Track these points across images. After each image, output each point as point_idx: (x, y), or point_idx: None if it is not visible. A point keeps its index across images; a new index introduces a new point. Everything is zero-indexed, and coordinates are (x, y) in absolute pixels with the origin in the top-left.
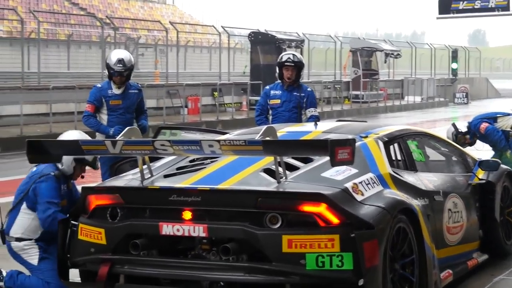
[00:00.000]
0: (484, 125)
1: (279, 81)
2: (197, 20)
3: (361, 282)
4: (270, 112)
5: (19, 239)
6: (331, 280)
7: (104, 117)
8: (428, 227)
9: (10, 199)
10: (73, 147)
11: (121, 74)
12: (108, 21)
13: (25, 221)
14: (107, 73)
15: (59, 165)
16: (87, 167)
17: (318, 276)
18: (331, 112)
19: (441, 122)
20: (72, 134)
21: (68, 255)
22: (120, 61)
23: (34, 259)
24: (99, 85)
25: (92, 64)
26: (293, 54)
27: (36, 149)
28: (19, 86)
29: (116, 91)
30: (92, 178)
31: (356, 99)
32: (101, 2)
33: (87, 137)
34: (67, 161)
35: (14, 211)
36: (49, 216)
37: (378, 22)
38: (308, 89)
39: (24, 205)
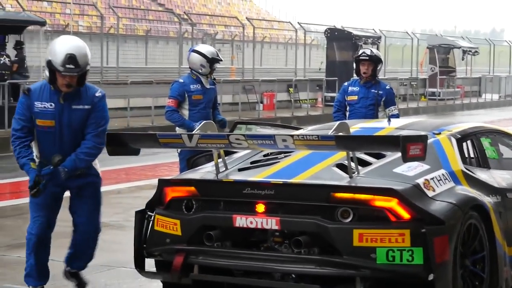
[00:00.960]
0: None
1: (356, 77)
2: (273, 16)
3: (431, 277)
4: (348, 108)
5: None
6: (401, 275)
7: (185, 112)
8: (499, 224)
9: None
10: (151, 140)
11: (212, 65)
12: (185, 17)
13: None
14: (202, 66)
15: None
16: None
17: (388, 270)
18: (406, 109)
19: None
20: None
21: (144, 245)
22: (213, 53)
23: None
24: (181, 80)
25: (170, 60)
26: (369, 49)
27: (115, 142)
28: (98, 80)
29: (205, 83)
30: (168, 171)
31: (433, 97)
32: None
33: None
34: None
35: None
36: None
37: (456, 19)
38: (387, 87)
39: None
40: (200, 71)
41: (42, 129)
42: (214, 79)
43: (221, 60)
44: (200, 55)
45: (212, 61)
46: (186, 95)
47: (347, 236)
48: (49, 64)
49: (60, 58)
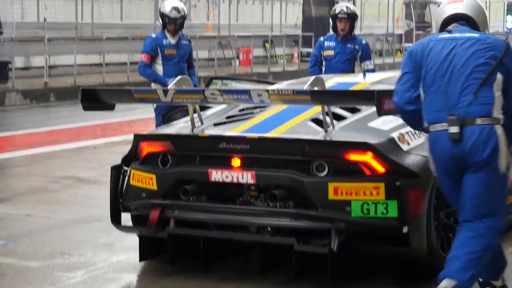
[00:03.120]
0: None
1: (333, 33)
2: None
3: (405, 230)
4: (324, 63)
5: None
6: (375, 227)
7: (159, 68)
8: None
9: (65, 146)
10: (126, 95)
11: (176, 21)
12: None
13: None
14: (160, 23)
15: None
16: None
17: (363, 223)
18: (383, 64)
19: None
20: None
21: (120, 200)
22: (175, 8)
23: None
24: (153, 35)
25: (145, 15)
26: (346, 6)
27: (90, 98)
28: (73, 36)
29: (171, 40)
30: (144, 127)
31: None
32: None
33: None
34: None
35: None
36: None
37: None
38: (363, 42)
39: None
40: (160, 25)
41: None
42: (186, 36)
43: (170, 17)
44: (160, 12)
45: (162, 15)
46: (159, 49)
47: (322, 189)
48: None
49: None
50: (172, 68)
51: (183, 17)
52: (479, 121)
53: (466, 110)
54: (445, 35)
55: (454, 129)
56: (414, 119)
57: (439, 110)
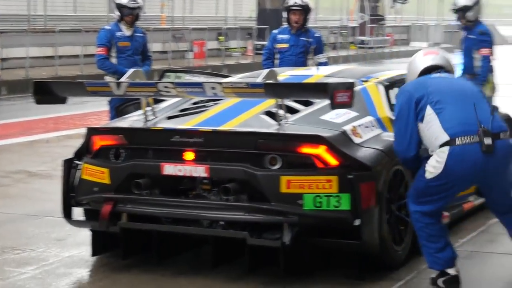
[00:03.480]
0: None
1: (287, 25)
2: None
3: (357, 222)
4: (277, 56)
5: None
6: (328, 220)
7: (113, 60)
8: None
9: (17, 140)
10: (78, 88)
11: (133, 12)
12: None
13: None
14: (118, 14)
15: None
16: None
17: (316, 216)
18: (337, 57)
19: None
20: None
21: (72, 194)
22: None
23: None
24: (107, 27)
25: (98, 7)
26: None
27: (43, 91)
28: (25, 28)
29: (126, 32)
30: (97, 120)
31: (362, 45)
32: None
33: None
34: None
35: None
36: None
37: None
38: (316, 34)
39: None
40: (115, 17)
41: None
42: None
43: (128, 7)
44: (114, 1)
45: (120, 6)
46: (113, 41)
47: (275, 183)
48: None
49: None
50: (125, 61)
51: (140, 8)
52: (502, 135)
53: (492, 125)
54: (436, 75)
55: (489, 141)
56: (415, 162)
57: (468, 123)
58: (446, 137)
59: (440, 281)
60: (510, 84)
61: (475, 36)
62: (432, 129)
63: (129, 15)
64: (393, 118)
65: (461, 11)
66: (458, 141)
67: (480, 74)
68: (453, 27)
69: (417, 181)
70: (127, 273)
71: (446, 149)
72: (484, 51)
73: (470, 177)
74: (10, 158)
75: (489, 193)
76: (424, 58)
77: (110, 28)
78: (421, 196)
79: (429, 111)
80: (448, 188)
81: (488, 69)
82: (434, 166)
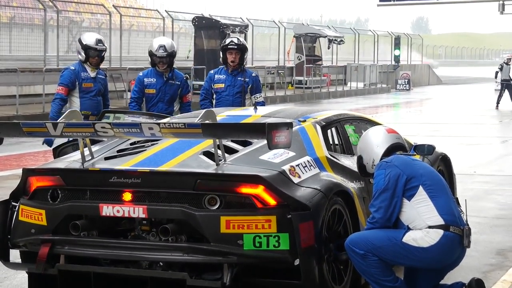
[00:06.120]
0: None
1: (223, 66)
2: (141, 4)
3: (297, 262)
4: (214, 96)
5: None
6: (268, 260)
7: (76, 100)
8: (363, 209)
9: None
10: (14, 128)
11: (100, 53)
12: (51, 4)
13: None
14: (81, 55)
15: None
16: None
17: (255, 256)
18: (274, 97)
19: (383, 108)
20: None
21: (9, 236)
22: (99, 40)
23: None
24: (72, 67)
25: (35, 48)
26: (237, 38)
27: None
28: None
29: (90, 73)
30: (33, 161)
31: (300, 85)
32: None
33: None
34: None
35: None
36: None
37: (322, 8)
38: (253, 74)
39: None
40: (79, 58)
41: None
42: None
43: (96, 49)
44: (79, 42)
45: (86, 48)
46: (77, 82)
47: (214, 223)
48: None
49: None
50: (89, 101)
51: (105, 50)
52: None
53: (461, 222)
54: (408, 157)
55: (469, 239)
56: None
57: (455, 215)
58: (441, 221)
59: None
60: (447, 123)
61: None
62: (422, 209)
63: (96, 56)
64: (331, 157)
65: None
66: (451, 229)
67: None
68: (388, 68)
69: (387, 240)
70: None
71: (440, 231)
72: None
73: (443, 261)
74: None
75: (431, 277)
76: (390, 136)
77: (74, 68)
78: (383, 252)
79: (422, 192)
80: (417, 260)
81: None
82: (420, 239)
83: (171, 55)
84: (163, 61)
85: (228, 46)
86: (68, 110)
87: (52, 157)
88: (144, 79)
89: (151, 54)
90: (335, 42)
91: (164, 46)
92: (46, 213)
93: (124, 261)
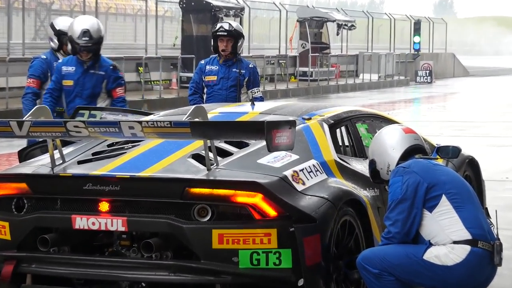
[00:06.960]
0: None
1: (215, 55)
2: None
3: (301, 283)
4: (205, 90)
5: None
6: (267, 280)
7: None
8: (378, 221)
9: None
10: None
11: (87, 48)
12: None
13: None
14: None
15: None
16: None
17: (253, 276)
18: (274, 91)
19: (401, 104)
20: None
21: None
22: (85, 32)
23: None
24: (43, 56)
25: None
26: (228, 23)
27: None
28: None
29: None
30: None
31: (304, 77)
32: None
33: None
34: None
35: None
36: None
37: None
38: (250, 66)
39: None
40: (51, 44)
41: None
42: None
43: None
44: (51, 27)
45: (59, 33)
46: (49, 74)
47: (205, 237)
48: None
49: None
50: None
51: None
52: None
53: (492, 236)
54: (429, 161)
55: (500, 256)
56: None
57: (483, 229)
58: (467, 235)
59: None
60: (474, 122)
61: None
62: (446, 222)
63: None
64: (340, 161)
65: None
66: (480, 244)
67: None
68: (406, 57)
69: (405, 258)
70: None
71: (467, 247)
72: None
73: (470, 281)
74: None
75: None
76: (407, 136)
77: (45, 57)
78: (400, 270)
79: (445, 202)
80: (440, 280)
81: None
82: (444, 256)
83: (98, 42)
84: (87, 49)
85: (218, 33)
86: (36, 107)
87: (17, 161)
88: (63, 67)
89: (71, 40)
90: (345, 27)
91: (88, 32)
92: (10, 225)
93: (100, 281)
